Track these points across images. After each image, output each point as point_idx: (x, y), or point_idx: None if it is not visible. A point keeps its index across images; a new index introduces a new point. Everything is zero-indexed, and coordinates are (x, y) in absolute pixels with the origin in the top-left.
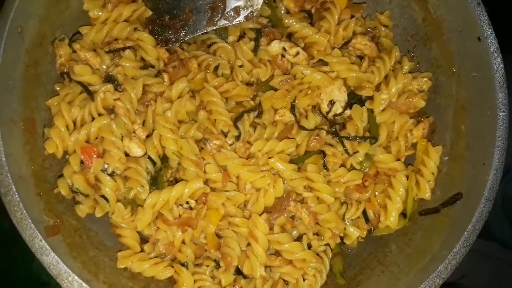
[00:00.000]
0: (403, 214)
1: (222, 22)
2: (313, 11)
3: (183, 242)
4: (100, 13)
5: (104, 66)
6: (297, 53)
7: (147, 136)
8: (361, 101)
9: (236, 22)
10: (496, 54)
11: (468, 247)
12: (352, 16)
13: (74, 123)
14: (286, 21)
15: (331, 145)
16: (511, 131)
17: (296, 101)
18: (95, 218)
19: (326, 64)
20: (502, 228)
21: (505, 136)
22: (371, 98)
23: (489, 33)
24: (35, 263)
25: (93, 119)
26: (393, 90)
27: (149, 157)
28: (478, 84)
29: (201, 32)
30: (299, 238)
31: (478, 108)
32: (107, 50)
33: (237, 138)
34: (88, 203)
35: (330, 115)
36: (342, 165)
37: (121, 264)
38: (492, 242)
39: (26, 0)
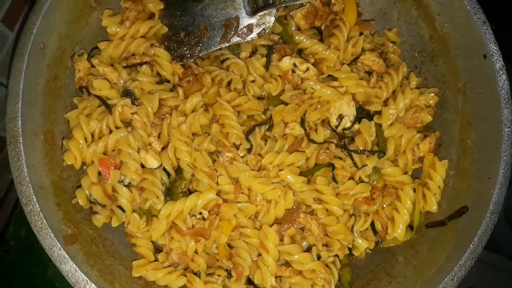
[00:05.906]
0: (410, 227)
1: (235, 39)
2: (323, 28)
3: (196, 251)
4: (118, 29)
5: (122, 81)
6: (307, 69)
7: (163, 149)
8: (369, 116)
9: (249, 39)
10: (501, 72)
11: (474, 260)
12: (361, 33)
13: (92, 136)
14: (297, 37)
15: (340, 158)
16: None
17: (306, 115)
18: (111, 228)
19: (335, 79)
20: (505, 238)
21: (510, 151)
22: (379, 112)
23: (494, 51)
24: (49, 271)
25: (110, 131)
26: (400, 105)
27: (164, 169)
28: (484, 100)
29: (215, 49)
30: (308, 249)
31: (483, 123)
32: (124, 65)
33: (249, 150)
34: (105, 213)
35: (339, 129)
36: (351, 178)
37: (136, 273)
38: (497, 254)
39: (48, 17)
